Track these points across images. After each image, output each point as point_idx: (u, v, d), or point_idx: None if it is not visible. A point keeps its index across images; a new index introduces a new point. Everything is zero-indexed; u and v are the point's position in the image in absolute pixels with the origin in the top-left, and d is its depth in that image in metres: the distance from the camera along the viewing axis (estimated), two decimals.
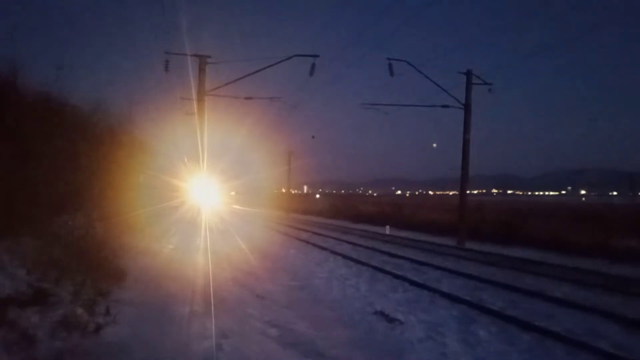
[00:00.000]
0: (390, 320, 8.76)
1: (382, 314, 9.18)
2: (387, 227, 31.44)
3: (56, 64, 8.73)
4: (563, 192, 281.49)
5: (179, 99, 25.29)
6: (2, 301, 4.95)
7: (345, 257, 17.18)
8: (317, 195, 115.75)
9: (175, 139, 23.32)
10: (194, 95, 22.10)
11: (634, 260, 16.85)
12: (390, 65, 22.76)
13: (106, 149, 10.99)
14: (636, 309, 9.66)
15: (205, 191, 25.64)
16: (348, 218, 45.51)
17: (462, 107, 24.56)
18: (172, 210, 19.14)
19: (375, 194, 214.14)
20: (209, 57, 22.15)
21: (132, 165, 12.64)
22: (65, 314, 5.37)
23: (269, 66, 21.63)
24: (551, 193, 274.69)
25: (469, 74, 24.58)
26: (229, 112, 26.01)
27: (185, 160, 23.54)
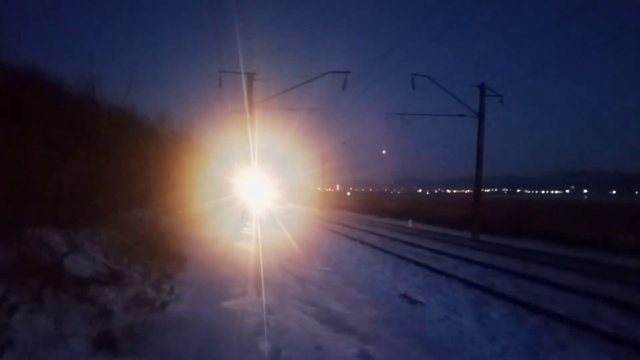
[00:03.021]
0: (413, 301, 8.69)
1: (405, 296, 9.11)
2: (409, 221, 31.18)
3: (127, 82, 8.94)
4: (567, 191, 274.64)
5: (231, 110, 25.61)
6: (84, 280, 5.09)
7: (372, 246, 17.08)
8: (348, 193, 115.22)
9: (228, 144, 23.57)
10: (246, 107, 22.41)
11: (631, 253, 16.44)
12: (413, 79, 22.65)
13: (170, 153, 11.20)
14: (632, 295, 9.38)
15: (255, 189, 25.88)
16: (374, 213, 45.21)
17: (476, 116, 24.23)
18: (227, 205, 19.36)
19: (398, 192, 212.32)
20: (256, 74, 22.54)
21: (192, 166, 12.83)
22: (137, 292, 5.49)
23: (306, 82, 21.80)
24: (556, 192, 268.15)
25: (482, 86, 24.25)
26: (274, 121, 26.22)
27: (237, 162, 23.80)
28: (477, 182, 24.98)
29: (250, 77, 22.40)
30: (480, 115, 24.15)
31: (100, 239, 6.24)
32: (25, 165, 5.61)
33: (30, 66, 7.69)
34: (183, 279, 6.88)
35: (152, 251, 6.87)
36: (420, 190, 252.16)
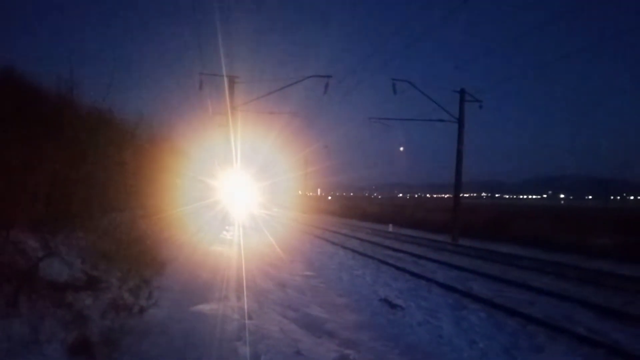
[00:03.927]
0: (393, 306, 8.73)
1: (385, 300, 9.15)
2: (390, 225, 31.35)
3: (106, 84, 8.82)
4: (544, 195, 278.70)
5: (212, 113, 25.51)
6: (60, 286, 5.00)
7: (353, 250, 17.14)
8: (329, 197, 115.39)
9: (209, 147, 23.45)
10: (228, 110, 22.36)
11: (607, 256, 16.76)
12: (394, 84, 22.79)
13: (149, 156, 11.07)
14: (608, 299, 9.57)
15: (236, 192, 25.76)
16: (356, 217, 45.34)
17: (456, 121, 24.48)
18: (207, 209, 19.20)
19: (379, 196, 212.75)
20: (238, 77, 22.52)
21: (172, 170, 12.71)
22: (114, 297, 5.42)
23: (288, 85, 21.88)
24: (533, 197, 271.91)
25: (462, 92, 24.51)
26: (256, 124, 26.23)
27: (218, 165, 23.69)
28: (457, 187, 25.21)
29: (232, 80, 22.38)
30: (460, 121, 24.43)
31: (77, 244, 6.13)
32: (0, 168, 5.50)
33: (6, 67, 7.55)
34: (161, 283, 6.81)
35: (130, 256, 6.78)
36: (401, 195, 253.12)
